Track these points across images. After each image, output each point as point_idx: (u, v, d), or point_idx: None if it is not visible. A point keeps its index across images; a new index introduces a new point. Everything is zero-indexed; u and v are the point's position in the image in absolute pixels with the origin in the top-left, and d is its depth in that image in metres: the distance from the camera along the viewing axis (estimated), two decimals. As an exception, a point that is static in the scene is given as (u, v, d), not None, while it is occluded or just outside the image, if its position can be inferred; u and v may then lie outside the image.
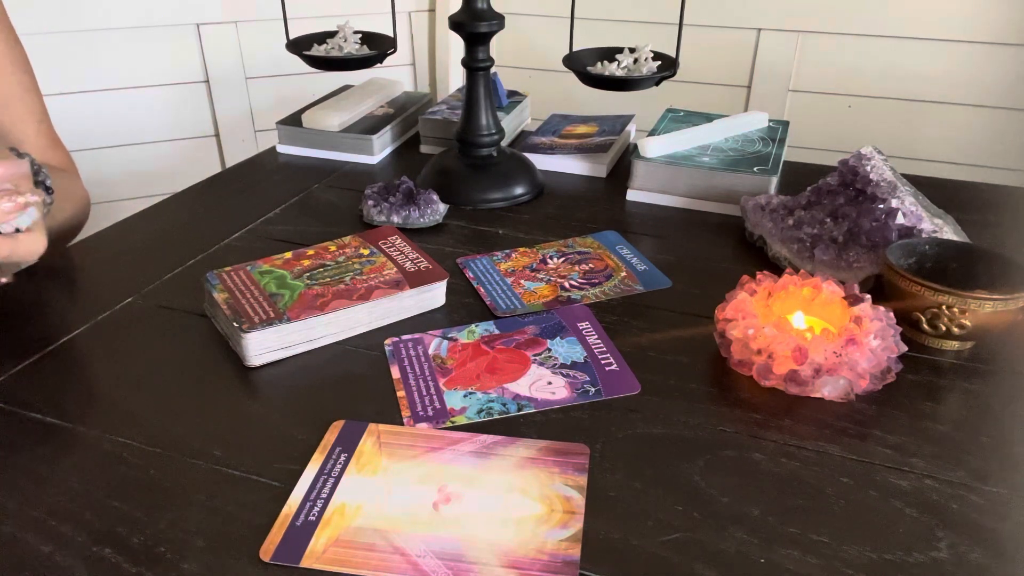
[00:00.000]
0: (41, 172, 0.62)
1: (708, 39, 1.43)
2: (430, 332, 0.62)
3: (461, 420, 0.52)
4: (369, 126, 0.98)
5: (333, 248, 0.68)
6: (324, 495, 0.46)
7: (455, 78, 1.57)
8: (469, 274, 0.70)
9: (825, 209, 0.71)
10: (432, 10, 1.54)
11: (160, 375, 0.57)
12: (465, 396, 0.55)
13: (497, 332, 0.62)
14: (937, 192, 0.81)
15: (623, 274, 0.70)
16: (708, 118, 0.93)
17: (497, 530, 0.44)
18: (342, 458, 0.49)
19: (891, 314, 0.55)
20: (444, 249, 0.75)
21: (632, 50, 0.83)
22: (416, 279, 0.63)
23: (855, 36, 1.36)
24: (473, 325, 0.63)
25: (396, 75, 1.49)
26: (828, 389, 0.53)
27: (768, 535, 0.44)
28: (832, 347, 0.53)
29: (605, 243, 0.76)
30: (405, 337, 0.61)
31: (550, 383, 0.56)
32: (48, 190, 0.62)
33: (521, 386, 0.56)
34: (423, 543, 0.43)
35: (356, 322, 0.61)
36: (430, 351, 0.59)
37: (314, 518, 0.44)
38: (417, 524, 0.44)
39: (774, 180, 0.81)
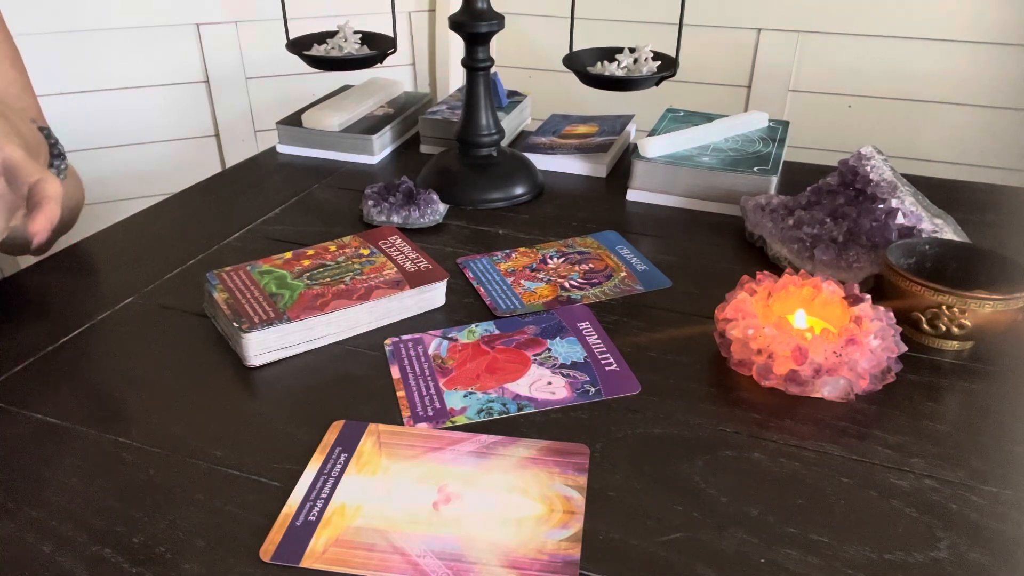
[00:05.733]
0: (51, 136, 0.64)
1: (708, 39, 1.43)
2: (430, 332, 0.62)
3: (461, 420, 0.52)
4: (369, 126, 0.98)
5: (333, 248, 0.68)
6: (324, 495, 0.46)
7: (455, 78, 1.57)
8: (469, 274, 0.70)
9: (825, 209, 0.71)
10: (432, 10, 1.54)
11: (160, 375, 0.57)
12: (465, 396, 0.55)
13: (497, 332, 0.62)
14: (937, 192, 0.81)
15: (623, 274, 0.70)
16: (708, 118, 0.93)
17: (497, 530, 0.44)
18: (342, 458, 0.49)
19: (891, 314, 0.55)
20: (444, 249, 0.75)
21: (632, 50, 0.83)
22: (416, 279, 0.63)
23: (855, 36, 1.36)
24: (473, 325, 0.63)
25: (396, 75, 1.50)
26: (828, 389, 0.53)
27: (768, 535, 0.44)
28: (832, 347, 0.53)
29: (605, 243, 0.76)
30: (405, 337, 0.61)
31: (550, 383, 0.56)
32: (62, 156, 0.64)
33: (521, 386, 0.56)
34: (423, 543, 0.43)
35: (356, 322, 0.61)
36: (430, 351, 0.59)
37: (314, 518, 0.44)
38: (417, 524, 0.44)
39: (774, 180, 0.81)
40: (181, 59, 1.40)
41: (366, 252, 0.67)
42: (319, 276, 0.63)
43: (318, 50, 0.86)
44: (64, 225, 0.75)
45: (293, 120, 0.99)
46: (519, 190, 0.85)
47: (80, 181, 0.78)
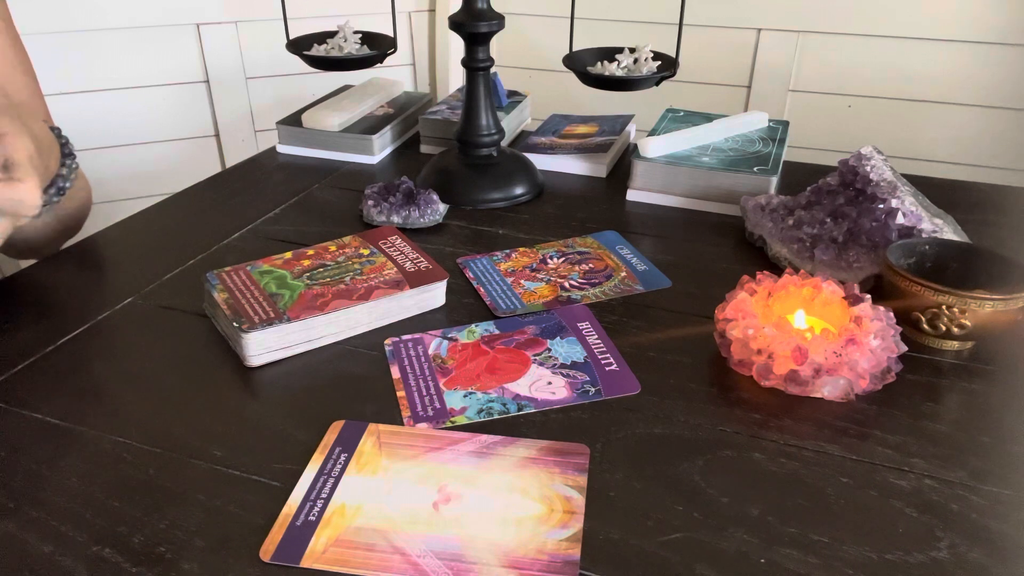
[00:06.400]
0: (62, 136, 0.65)
1: (708, 39, 1.43)
2: (430, 332, 0.62)
3: (461, 420, 0.52)
4: (369, 126, 0.98)
5: (333, 248, 0.68)
6: (324, 495, 0.46)
7: (455, 78, 1.57)
8: (469, 274, 0.70)
9: (825, 209, 0.71)
10: (432, 10, 1.54)
11: (160, 375, 0.57)
12: (465, 396, 0.55)
13: (497, 332, 0.62)
14: (937, 192, 0.81)
15: (623, 274, 0.70)
16: (708, 118, 0.93)
17: (497, 530, 0.44)
18: (342, 458, 0.49)
19: (891, 314, 0.55)
20: (444, 249, 0.75)
21: (632, 50, 0.83)
22: (416, 279, 0.63)
23: (855, 36, 1.36)
24: (473, 325, 0.63)
25: (396, 75, 1.50)
26: (828, 389, 0.53)
27: (768, 535, 0.44)
28: (832, 347, 0.53)
29: (605, 243, 0.76)
30: (405, 337, 0.61)
31: (550, 383, 0.56)
32: (71, 155, 0.65)
33: (521, 386, 0.56)
34: (423, 543, 0.43)
35: (356, 322, 0.61)
36: (430, 351, 0.59)
37: (314, 518, 0.44)
38: (417, 524, 0.44)
39: (774, 180, 0.81)
40: (181, 59, 1.40)
41: (366, 252, 0.67)
42: (319, 276, 0.63)
43: (318, 50, 0.86)
44: (70, 229, 0.76)
45: (293, 120, 0.99)
46: (519, 190, 0.85)
47: (88, 183, 0.78)
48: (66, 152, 0.65)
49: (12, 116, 0.53)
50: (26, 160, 0.52)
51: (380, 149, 0.97)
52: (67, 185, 0.64)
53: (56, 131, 0.65)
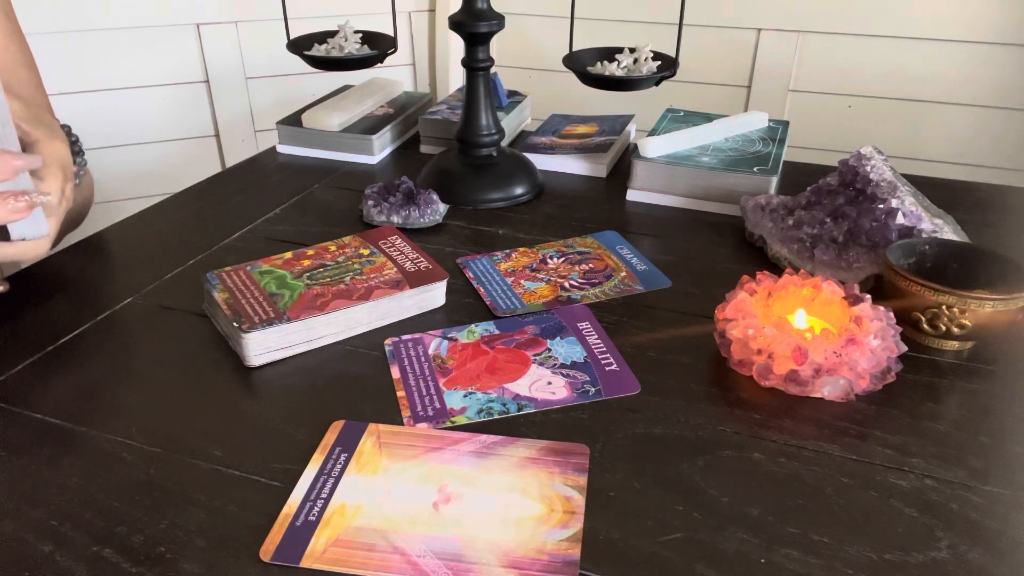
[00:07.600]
0: (72, 135, 0.67)
1: (708, 39, 1.43)
2: (430, 332, 0.62)
3: (461, 420, 0.52)
4: (369, 126, 0.98)
5: (333, 248, 0.68)
6: (324, 495, 0.46)
7: (455, 78, 1.57)
8: (469, 274, 0.70)
9: (825, 209, 0.71)
10: (432, 10, 1.54)
11: (160, 375, 0.57)
12: (465, 396, 0.55)
13: (497, 332, 0.62)
14: (937, 192, 0.81)
15: (623, 274, 0.70)
16: (708, 118, 0.93)
17: (497, 530, 0.44)
18: (342, 458, 0.49)
19: (891, 314, 0.55)
20: (444, 249, 0.75)
21: (632, 50, 0.83)
22: (416, 279, 0.63)
23: (855, 36, 1.36)
24: (473, 325, 0.63)
25: (396, 75, 1.50)
26: (828, 389, 0.53)
27: (768, 535, 0.44)
28: (832, 347, 0.53)
29: (605, 243, 0.76)
30: (405, 337, 0.61)
31: (550, 383, 0.56)
32: (80, 153, 0.67)
33: (521, 386, 0.56)
34: (423, 543, 0.43)
35: (356, 322, 0.61)
36: (430, 351, 0.59)
37: (314, 518, 0.44)
38: (417, 524, 0.44)
39: (774, 180, 0.81)
40: (181, 59, 1.40)
41: (366, 252, 0.67)
42: (319, 276, 0.63)
43: (318, 50, 0.86)
44: (72, 223, 0.76)
45: (293, 120, 0.99)
46: (519, 190, 0.85)
47: (92, 180, 0.79)
48: (76, 150, 0.65)
49: (49, 127, 0.55)
50: (57, 192, 0.55)
51: (380, 149, 0.97)
52: (77, 183, 0.64)
53: (66, 129, 0.66)
